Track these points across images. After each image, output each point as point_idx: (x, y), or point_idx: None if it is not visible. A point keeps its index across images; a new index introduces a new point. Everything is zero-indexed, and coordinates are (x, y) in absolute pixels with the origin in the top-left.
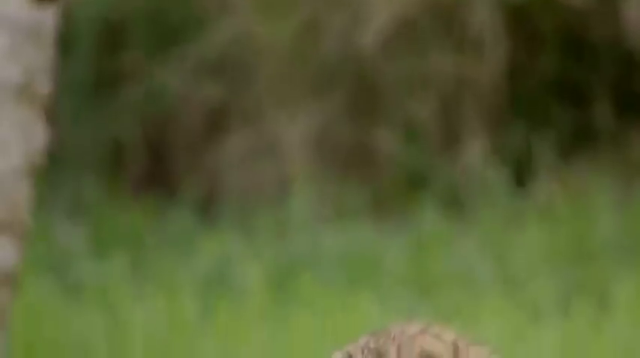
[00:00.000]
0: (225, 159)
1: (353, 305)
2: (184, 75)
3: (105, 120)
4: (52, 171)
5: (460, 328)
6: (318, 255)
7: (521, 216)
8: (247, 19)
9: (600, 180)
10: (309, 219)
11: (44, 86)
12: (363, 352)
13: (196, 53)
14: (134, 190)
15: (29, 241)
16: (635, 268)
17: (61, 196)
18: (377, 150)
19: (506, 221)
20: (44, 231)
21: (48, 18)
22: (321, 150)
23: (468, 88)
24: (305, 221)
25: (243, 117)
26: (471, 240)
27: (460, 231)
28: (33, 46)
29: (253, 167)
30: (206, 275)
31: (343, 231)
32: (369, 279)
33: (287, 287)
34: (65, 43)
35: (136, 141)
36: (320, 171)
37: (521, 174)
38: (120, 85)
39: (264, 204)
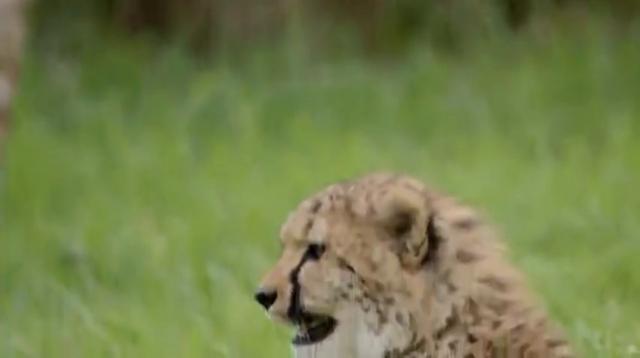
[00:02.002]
0: None
1: (347, 146)
2: None
3: None
4: (45, 10)
5: (455, 168)
6: (312, 95)
7: (516, 56)
8: None
9: (595, 18)
10: (304, 59)
11: None
12: (331, 199)
13: None
14: (128, 30)
15: (23, 80)
16: (630, 108)
17: (55, 36)
18: None
19: (500, 61)
20: (38, 71)
21: None
22: None
23: None
24: (299, 61)
25: None
26: (466, 80)
27: (455, 71)
28: None
29: (248, 6)
30: (200, 115)
31: (337, 71)
32: (364, 120)
33: (281, 127)
34: None
35: None
36: (314, 11)
37: (515, 14)
38: None
39: (258, 43)
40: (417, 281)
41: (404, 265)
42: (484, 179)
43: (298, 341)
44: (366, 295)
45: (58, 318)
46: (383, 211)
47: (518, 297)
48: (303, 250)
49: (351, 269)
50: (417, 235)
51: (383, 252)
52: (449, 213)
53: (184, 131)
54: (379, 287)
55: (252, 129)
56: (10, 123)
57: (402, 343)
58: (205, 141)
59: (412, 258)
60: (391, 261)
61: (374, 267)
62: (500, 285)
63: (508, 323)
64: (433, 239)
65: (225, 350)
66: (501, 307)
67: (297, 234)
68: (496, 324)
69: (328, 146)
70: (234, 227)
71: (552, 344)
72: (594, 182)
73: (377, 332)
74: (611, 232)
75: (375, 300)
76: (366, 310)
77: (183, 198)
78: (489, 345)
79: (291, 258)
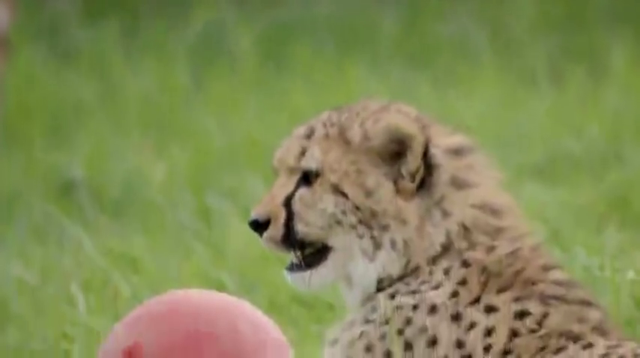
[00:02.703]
0: None
1: (346, 73)
2: None
3: None
4: None
5: (455, 95)
6: (311, 22)
7: None
8: None
9: None
10: None
11: None
12: (325, 126)
13: None
14: None
15: (23, 8)
16: (629, 35)
17: None
18: None
19: None
20: None
21: None
22: None
23: None
24: None
25: None
26: (466, 6)
27: None
28: None
29: None
30: (199, 43)
31: None
32: (363, 47)
33: (280, 54)
34: None
35: None
36: None
37: None
38: None
39: None
40: (412, 208)
41: (398, 192)
42: (484, 106)
43: (292, 268)
44: (360, 222)
45: (58, 245)
46: (377, 138)
47: (511, 223)
48: (296, 177)
49: (345, 195)
50: (413, 161)
51: (377, 179)
52: (443, 140)
53: (183, 58)
54: (373, 213)
55: (251, 57)
56: (9, 50)
57: (396, 269)
58: (204, 69)
59: (407, 185)
60: (386, 188)
61: (368, 194)
62: (494, 211)
63: (502, 248)
64: (427, 166)
65: (224, 277)
66: (495, 233)
67: (291, 160)
68: (490, 249)
69: (327, 73)
70: (234, 154)
71: (546, 269)
72: (594, 109)
73: (371, 259)
74: (610, 159)
75: (369, 227)
76: (361, 237)
77: (182, 125)
78: (484, 270)
79: (284, 184)
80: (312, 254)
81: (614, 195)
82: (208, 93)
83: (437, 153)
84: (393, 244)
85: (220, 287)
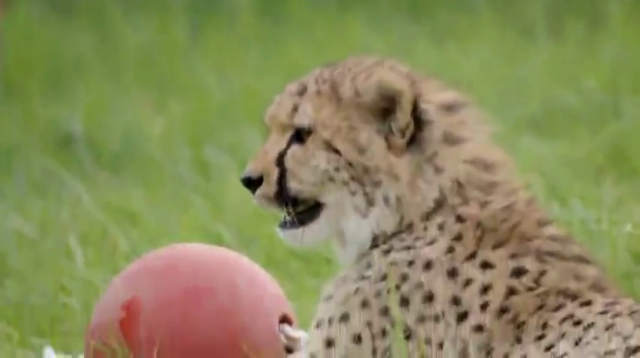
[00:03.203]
0: None
1: (345, 26)
2: None
3: None
4: None
5: (454, 48)
6: None
7: None
8: None
9: None
10: None
11: None
12: (317, 82)
13: None
14: None
15: None
16: None
17: None
18: None
19: None
20: None
21: None
22: None
23: None
24: None
25: None
26: None
27: None
28: None
29: None
30: None
31: None
32: (363, 1)
33: (279, 6)
34: None
35: None
36: None
37: None
38: None
39: None
40: (404, 164)
41: (390, 148)
42: (482, 59)
43: (285, 225)
44: (352, 178)
45: (56, 199)
46: (367, 94)
47: (505, 178)
48: (289, 134)
49: (337, 152)
50: (402, 118)
51: (369, 135)
52: (434, 96)
53: (182, 13)
54: (366, 170)
55: (250, 12)
56: (9, 4)
57: (390, 225)
58: (203, 22)
59: (398, 141)
60: (378, 144)
61: (360, 150)
62: (487, 166)
63: (497, 203)
64: (419, 121)
65: (222, 231)
66: (488, 188)
67: (283, 117)
68: (484, 204)
69: (326, 26)
70: (232, 109)
71: (542, 223)
72: (591, 62)
73: (364, 215)
74: (607, 111)
75: (361, 183)
76: (353, 193)
77: (181, 80)
78: (478, 225)
79: (276, 141)
80: (305, 211)
81: (612, 148)
82: (207, 48)
83: (429, 110)
84: (386, 200)
85: (219, 241)
